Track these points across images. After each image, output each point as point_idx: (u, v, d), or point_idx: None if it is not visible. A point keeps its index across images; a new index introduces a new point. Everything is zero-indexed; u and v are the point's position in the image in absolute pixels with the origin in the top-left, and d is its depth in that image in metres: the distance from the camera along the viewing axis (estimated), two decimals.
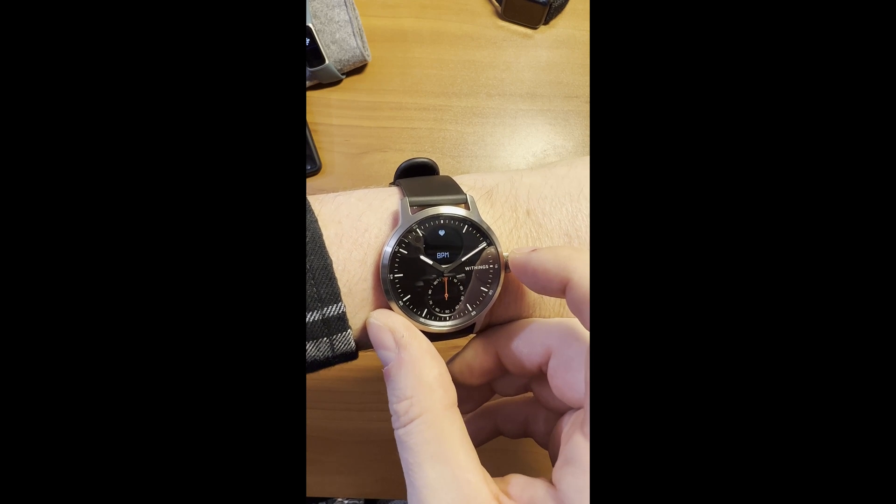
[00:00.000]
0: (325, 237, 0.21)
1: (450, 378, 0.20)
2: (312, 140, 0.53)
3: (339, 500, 0.57)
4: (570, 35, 0.58)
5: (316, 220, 0.21)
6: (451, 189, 0.23)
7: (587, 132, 0.56)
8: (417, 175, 0.26)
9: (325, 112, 0.55)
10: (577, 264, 0.18)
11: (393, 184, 0.25)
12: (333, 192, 0.24)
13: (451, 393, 0.20)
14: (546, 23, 0.58)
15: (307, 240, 0.20)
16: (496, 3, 0.57)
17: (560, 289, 0.19)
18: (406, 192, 0.22)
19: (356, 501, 0.58)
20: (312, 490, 0.48)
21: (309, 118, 0.54)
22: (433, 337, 0.22)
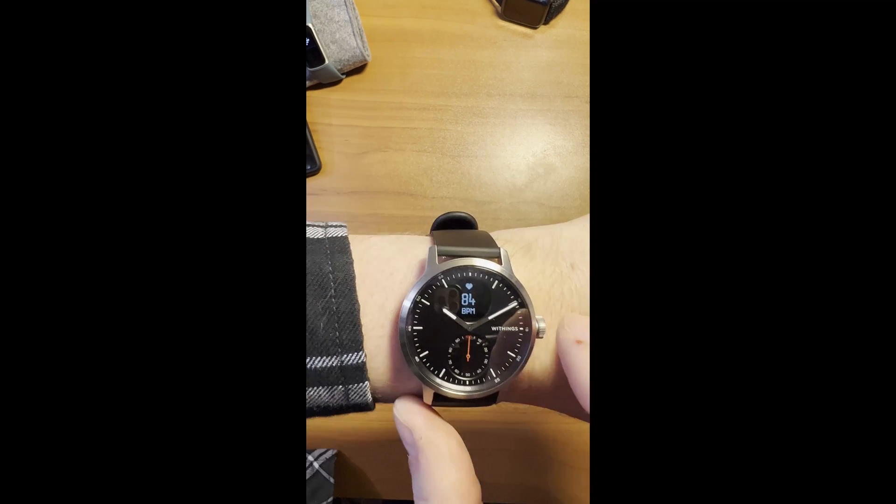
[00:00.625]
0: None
1: (471, 481, 0.20)
2: (312, 140, 0.53)
3: (339, 499, 0.57)
4: (570, 35, 0.58)
5: (352, 263, 0.20)
6: (484, 242, 0.22)
7: (587, 132, 0.56)
8: (454, 229, 0.24)
9: (325, 112, 0.55)
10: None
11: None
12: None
13: (470, 499, 0.19)
14: (546, 23, 0.58)
15: (339, 281, 0.20)
16: (496, 3, 0.57)
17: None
18: (437, 240, 0.21)
19: (356, 501, 0.58)
20: None
21: (309, 118, 0.54)
22: (449, 402, 0.20)
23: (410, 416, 0.20)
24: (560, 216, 0.54)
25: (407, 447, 0.20)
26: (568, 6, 0.58)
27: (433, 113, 0.55)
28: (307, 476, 0.46)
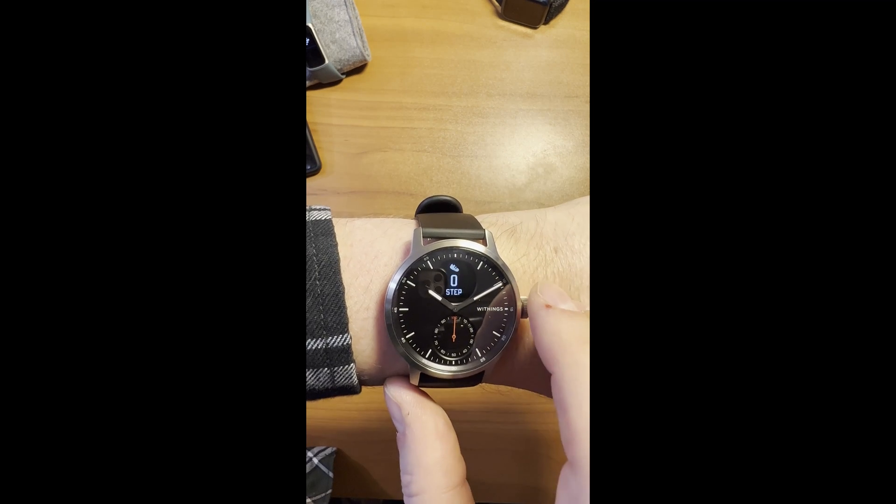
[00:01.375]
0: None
1: (455, 458, 0.20)
2: (312, 140, 0.53)
3: (339, 499, 0.57)
4: (570, 35, 0.58)
5: (336, 245, 0.20)
6: (468, 224, 0.22)
7: (587, 132, 0.56)
8: (439, 212, 0.24)
9: (325, 112, 0.55)
10: (566, 360, 0.17)
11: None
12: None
13: (454, 475, 0.20)
14: (546, 23, 0.58)
15: (323, 264, 0.20)
16: (496, 3, 0.57)
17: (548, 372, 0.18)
18: (421, 222, 0.21)
19: (356, 502, 0.58)
20: None
21: (309, 118, 0.54)
22: (435, 382, 0.21)
23: (400, 393, 0.21)
24: None
25: (395, 423, 0.20)
26: (568, 6, 0.58)
27: (433, 113, 0.55)
28: (306, 470, 0.46)
